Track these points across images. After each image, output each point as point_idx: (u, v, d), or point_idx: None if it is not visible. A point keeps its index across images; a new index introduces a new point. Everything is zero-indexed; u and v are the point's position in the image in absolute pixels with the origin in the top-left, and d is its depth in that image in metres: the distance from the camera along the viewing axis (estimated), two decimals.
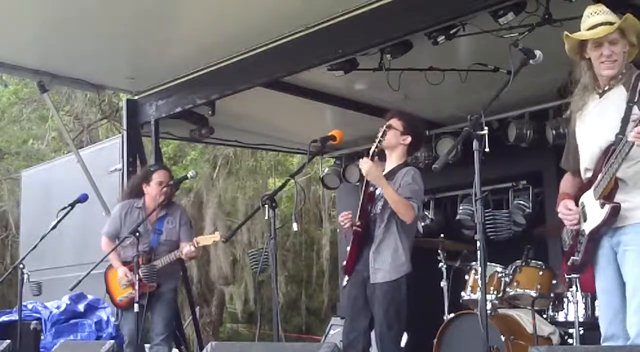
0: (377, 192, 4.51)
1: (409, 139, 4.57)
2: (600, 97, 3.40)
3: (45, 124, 14.15)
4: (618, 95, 3.33)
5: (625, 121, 3.22)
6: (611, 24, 3.29)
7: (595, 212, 3.31)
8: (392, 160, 4.56)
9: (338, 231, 10.83)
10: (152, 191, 5.58)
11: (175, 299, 5.77)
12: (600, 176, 3.28)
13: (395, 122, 4.56)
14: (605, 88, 3.38)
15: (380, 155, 4.54)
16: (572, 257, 3.46)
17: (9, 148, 14.91)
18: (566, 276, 5.08)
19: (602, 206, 3.26)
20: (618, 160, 3.17)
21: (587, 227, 3.36)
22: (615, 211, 3.23)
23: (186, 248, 5.37)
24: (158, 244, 5.53)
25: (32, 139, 14.37)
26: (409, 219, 4.39)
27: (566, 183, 3.62)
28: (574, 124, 3.52)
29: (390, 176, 4.50)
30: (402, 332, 4.47)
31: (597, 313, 5.00)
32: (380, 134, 4.45)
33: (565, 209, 3.45)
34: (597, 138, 3.33)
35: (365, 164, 4.39)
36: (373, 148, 4.44)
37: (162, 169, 5.80)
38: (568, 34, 3.41)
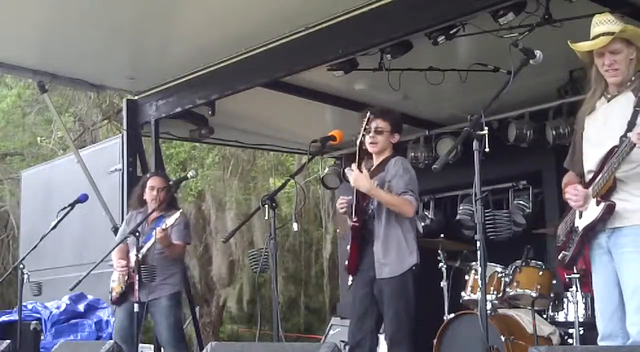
0: None
1: (397, 136, 4.59)
2: (608, 102, 3.45)
3: (48, 126, 14.13)
4: (626, 101, 3.37)
5: (631, 124, 3.25)
6: (613, 34, 3.33)
7: (590, 210, 3.36)
8: (380, 155, 4.55)
9: (337, 230, 10.82)
10: (147, 196, 5.76)
11: (176, 306, 5.62)
12: (600, 175, 3.31)
13: (381, 123, 4.52)
14: (615, 93, 3.42)
15: (361, 152, 4.51)
16: (562, 252, 3.52)
17: (10, 149, 14.91)
18: (566, 276, 5.08)
19: (598, 203, 3.30)
20: (618, 159, 3.21)
21: (581, 224, 3.41)
22: (610, 209, 3.26)
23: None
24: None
25: (38, 139, 14.34)
26: (410, 215, 4.41)
27: (569, 178, 3.64)
28: (582, 127, 3.54)
29: (380, 167, 4.51)
30: (412, 329, 4.41)
31: (596, 313, 5.02)
32: (359, 138, 4.39)
33: (572, 190, 3.44)
34: (602, 142, 3.36)
35: (354, 176, 4.36)
36: (357, 158, 4.38)
37: (155, 175, 5.95)
38: (570, 43, 3.47)
